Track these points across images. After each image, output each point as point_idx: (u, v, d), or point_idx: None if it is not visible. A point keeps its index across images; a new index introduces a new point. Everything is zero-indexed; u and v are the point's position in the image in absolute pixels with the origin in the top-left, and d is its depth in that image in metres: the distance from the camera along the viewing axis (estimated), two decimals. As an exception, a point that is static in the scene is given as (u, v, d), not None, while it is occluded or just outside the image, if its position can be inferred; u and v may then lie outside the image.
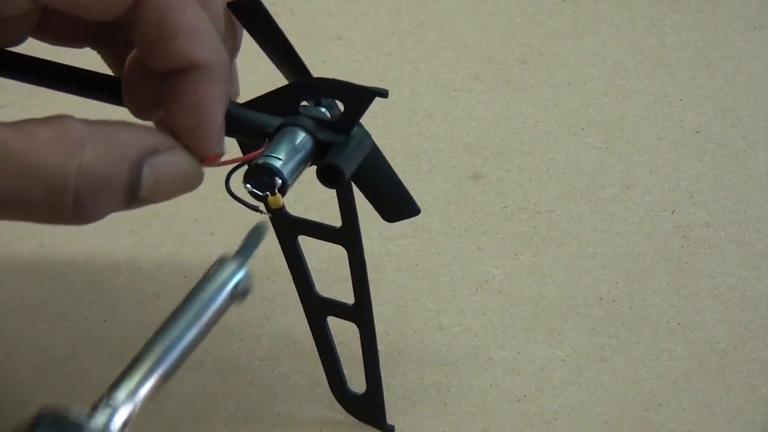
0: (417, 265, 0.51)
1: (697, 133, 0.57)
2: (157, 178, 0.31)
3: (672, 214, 0.53)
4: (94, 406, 0.29)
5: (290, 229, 0.40)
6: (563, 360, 0.47)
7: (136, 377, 0.29)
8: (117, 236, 0.52)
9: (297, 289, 0.42)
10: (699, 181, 0.54)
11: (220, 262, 0.32)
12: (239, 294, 0.32)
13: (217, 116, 0.32)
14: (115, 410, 0.28)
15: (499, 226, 0.52)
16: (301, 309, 0.42)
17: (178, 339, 0.30)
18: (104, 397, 0.29)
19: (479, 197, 0.54)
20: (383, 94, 0.33)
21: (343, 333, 0.43)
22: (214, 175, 0.55)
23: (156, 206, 0.53)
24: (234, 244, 0.51)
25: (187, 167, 0.32)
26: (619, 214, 0.53)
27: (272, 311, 0.48)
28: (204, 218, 0.53)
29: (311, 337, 0.43)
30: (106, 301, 0.49)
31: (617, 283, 0.50)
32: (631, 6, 0.64)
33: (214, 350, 0.47)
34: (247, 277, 0.32)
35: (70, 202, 0.29)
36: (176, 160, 0.31)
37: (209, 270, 0.32)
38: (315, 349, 0.43)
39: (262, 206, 0.35)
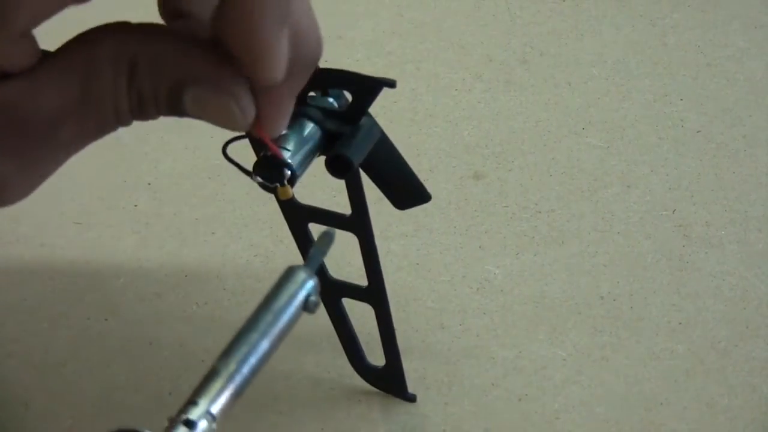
0: (418, 264, 0.51)
1: (697, 132, 0.57)
2: (198, 104, 0.30)
3: (673, 213, 0.53)
4: (170, 422, 0.28)
5: (301, 218, 0.40)
6: (564, 359, 0.47)
7: (211, 392, 0.29)
8: (118, 236, 0.52)
9: None
10: (700, 181, 0.54)
11: (290, 272, 0.31)
12: (310, 305, 0.31)
13: (268, 36, 0.28)
14: (192, 426, 0.28)
15: (500, 225, 0.52)
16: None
17: (251, 353, 0.30)
18: (180, 414, 0.28)
19: (480, 197, 0.54)
20: (391, 84, 0.34)
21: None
22: (214, 176, 0.55)
23: (157, 206, 0.54)
24: (234, 243, 0.52)
25: (226, 110, 0.30)
26: (620, 214, 0.53)
27: (273, 311, 0.48)
28: (205, 217, 0.53)
29: (312, 336, 0.43)
30: (107, 300, 0.49)
31: (618, 282, 0.50)
32: (632, 6, 0.64)
33: (215, 350, 0.47)
34: (317, 287, 0.31)
35: (127, 115, 0.30)
36: (215, 99, 0.30)
37: (279, 280, 0.31)
38: (316, 349, 0.43)
39: (259, 178, 0.34)
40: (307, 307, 0.31)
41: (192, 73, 0.29)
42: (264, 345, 0.30)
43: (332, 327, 0.44)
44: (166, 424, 0.28)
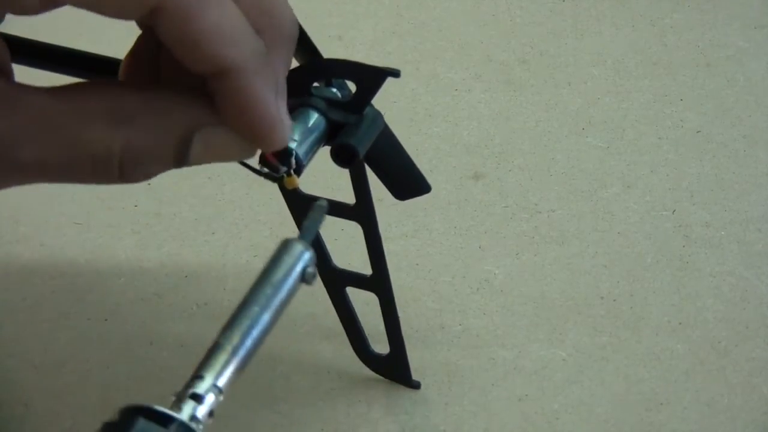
0: (418, 264, 0.51)
1: (697, 132, 0.57)
2: (206, 147, 0.30)
3: (673, 213, 0.53)
4: (177, 397, 0.28)
5: (305, 208, 0.40)
6: (564, 359, 0.47)
7: (216, 366, 0.29)
8: (118, 236, 0.52)
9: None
10: (700, 181, 0.54)
11: (286, 245, 0.31)
12: (308, 277, 0.31)
13: (270, 113, 0.30)
14: (199, 400, 0.28)
15: (500, 225, 0.52)
16: (302, 309, 0.42)
17: (253, 326, 0.30)
18: (187, 389, 0.28)
19: (480, 197, 0.54)
20: (396, 74, 0.34)
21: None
22: (214, 176, 0.55)
23: (156, 206, 0.54)
24: (234, 244, 0.52)
25: (238, 142, 0.31)
26: (620, 214, 0.53)
27: (273, 311, 0.48)
28: (205, 218, 0.53)
29: (312, 336, 0.43)
30: (107, 300, 0.49)
31: (618, 282, 0.50)
32: (632, 6, 0.64)
33: (215, 350, 0.47)
34: (313, 259, 0.31)
35: (115, 171, 0.29)
36: (227, 135, 0.30)
37: (275, 253, 0.31)
38: (316, 348, 0.43)
39: (266, 169, 0.35)
40: (304, 278, 0.31)
41: (198, 120, 0.30)
42: (265, 318, 0.30)
43: (332, 326, 0.44)
44: (173, 398, 0.28)
